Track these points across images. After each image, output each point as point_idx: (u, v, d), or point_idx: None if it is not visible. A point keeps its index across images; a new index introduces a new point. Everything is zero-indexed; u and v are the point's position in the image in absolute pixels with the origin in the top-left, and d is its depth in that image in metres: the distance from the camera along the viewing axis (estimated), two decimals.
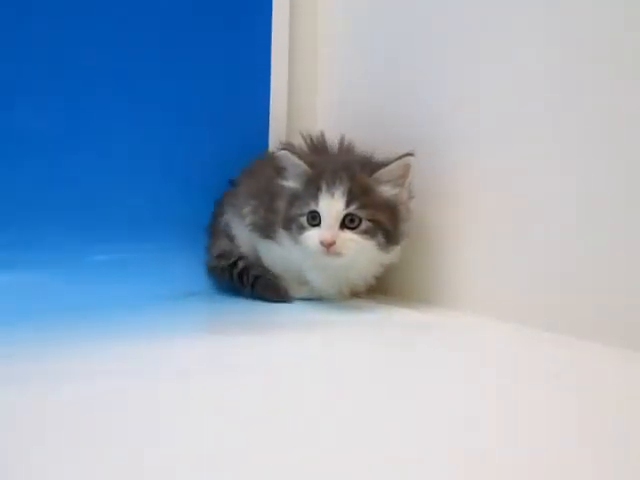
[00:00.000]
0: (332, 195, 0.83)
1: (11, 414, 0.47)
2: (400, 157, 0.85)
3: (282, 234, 0.91)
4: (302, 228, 0.85)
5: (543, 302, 0.77)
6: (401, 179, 0.86)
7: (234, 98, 1.11)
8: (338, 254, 0.83)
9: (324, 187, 0.84)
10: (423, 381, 0.58)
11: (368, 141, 0.92)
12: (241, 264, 0.98)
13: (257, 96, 1.13)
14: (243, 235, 1.00)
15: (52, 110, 1.01)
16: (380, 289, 0.99)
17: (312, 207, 0.85)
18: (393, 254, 0.89)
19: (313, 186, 0.85)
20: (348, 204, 0.83)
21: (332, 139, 0.95)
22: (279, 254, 0.94)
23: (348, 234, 0.83)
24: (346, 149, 0.94)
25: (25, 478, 0.38)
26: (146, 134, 1.06)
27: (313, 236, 0.84)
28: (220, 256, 1.01)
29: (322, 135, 0.96)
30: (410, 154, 0.85)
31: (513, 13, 0.81)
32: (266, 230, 0.94)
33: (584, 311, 0.72)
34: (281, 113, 1.15)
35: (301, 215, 0.86)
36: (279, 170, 0.90)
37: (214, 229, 1.04)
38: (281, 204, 0.91)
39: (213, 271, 1.02)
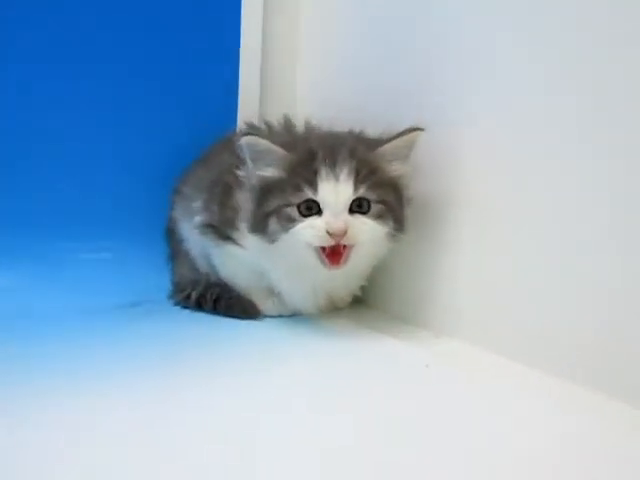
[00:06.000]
0: (336, 178, 0.72)
1: None
2: (407, 131, 0.75)
3: (248, 237, 0.78)
4: (291, 221, 0.73)
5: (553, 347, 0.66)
6: (405, 157, 0.77)
7: (198, 72, 1.01)
8: (345, 257, 0.72)
9: (323, 170, 0.72)
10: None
11: (353, 124, 0.81)
12: (194, 295, 0.86)
13: (224, 73, 1.03)
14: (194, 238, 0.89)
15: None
16: (363, 300, 0.90)
17: (307, 195, 0.72)
18: (391, 246, 0.78)
19: (305, 170, 0.73)
20: (357, 186, 0.73)
21: (298, 121, 0.85)
22: (241, 260, 0.82)
23: (360, 218, 0.73)
24: (319, 129, 0.83)
25: None
26: (102, 121, 1.00)
27: (314, 226, 0.72)
28: (176, 288, 0.91)
29: (286, 117, 0.85)
30: (419, 129, 0.75)
31: None
32: (222, 231, 0.82)
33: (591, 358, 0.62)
34: (253, 93, 1.03)
35: (287, 206, 0.73)
36: (240, 160, 0.78)
37: (171, 250, 0.96)
38: (243, 199, 0.78)
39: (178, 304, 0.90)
